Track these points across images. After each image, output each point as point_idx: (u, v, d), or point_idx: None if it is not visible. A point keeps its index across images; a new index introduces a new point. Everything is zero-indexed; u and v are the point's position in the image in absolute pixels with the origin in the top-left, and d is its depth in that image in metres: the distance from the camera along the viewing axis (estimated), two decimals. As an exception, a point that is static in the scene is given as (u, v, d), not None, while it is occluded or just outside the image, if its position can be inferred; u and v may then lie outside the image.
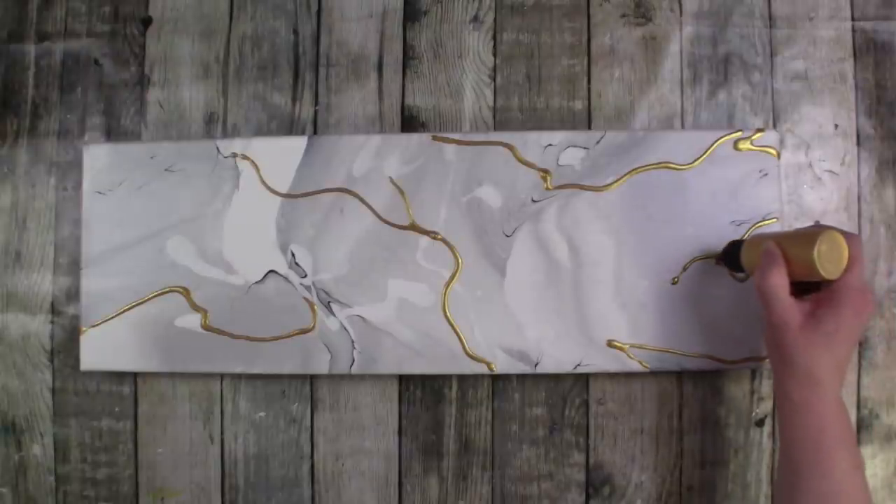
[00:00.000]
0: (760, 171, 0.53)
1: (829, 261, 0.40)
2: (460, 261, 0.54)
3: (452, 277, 0.53)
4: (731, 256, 0.49)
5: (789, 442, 0.42)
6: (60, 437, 0.58)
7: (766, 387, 0.54)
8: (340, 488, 0.56)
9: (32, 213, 0.59)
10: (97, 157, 0.56)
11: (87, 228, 0.55)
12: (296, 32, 0.58)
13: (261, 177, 0.55)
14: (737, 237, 0.52)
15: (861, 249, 0.41)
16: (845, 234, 0.40)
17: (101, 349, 0.55)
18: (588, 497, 0.55)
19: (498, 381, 0.56)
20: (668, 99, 0.56)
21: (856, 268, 0.40)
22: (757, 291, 0.43)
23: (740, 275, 0.52)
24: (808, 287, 0.43)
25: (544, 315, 0.53)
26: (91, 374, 0.57)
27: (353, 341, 0.54)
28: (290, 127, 0.58)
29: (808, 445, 0.41)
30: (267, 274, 0.54)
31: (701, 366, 0.52)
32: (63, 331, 0.58)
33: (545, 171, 0.54)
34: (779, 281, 0.41)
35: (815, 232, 0.40)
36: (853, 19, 0.56)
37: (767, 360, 0.52)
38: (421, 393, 0.56)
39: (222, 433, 0.57)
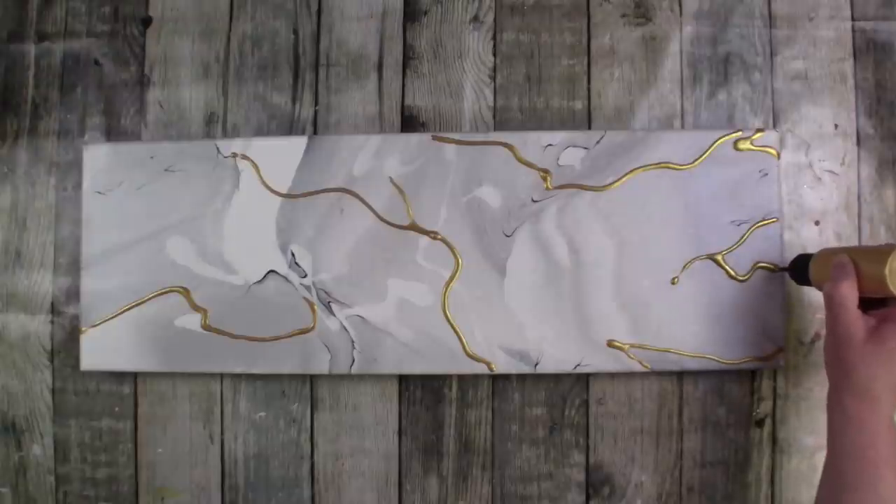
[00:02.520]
0: (760, 171, 0.53)
1: None
2: (460, 261, 0.53)
3: (452, 277, 0.53)
4: (798, 269, 0.49)
5: (837, 454, 0.42)
6: (60, 437, 0.58)
7: (765, 387, 0.54)
8: (340, 488, 0.56)
9: (32, 213, 0.59)
10: (97, 157, 0.56)
11: (87, 228, 0.55)
12: (296, 32, 0.58)
13: (261, 177, 0.55)
14: (737, 237, 0.52)
15: None
16: None
17: (100, 349, 0.55)
18: (588, 497, 0.55)
19: (498, 381, 0.56)
20: (668, 99, 0.56)
21: None
22: (825, 301, 0.43)
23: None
24: (873, 304, 0.43)
25: (544, 315, 0.53)
26: (91, 374, 0.57)
27: (353, 341, 0.54)
28: (290, 127, 0.58)
29: (856, 460, 0.41)
30: (267, 274, 0.54)
31: (701, 366, 0.52)
32: (63, 331, 0.58)
33: (545, 171, 0.54)
34: (849, 292, 0.41)
35: (888, 249, 0.41)
36: (853, 19, 0.56)
37: (767, 361, 0.52)
38: (421, 393, 0.56)
39: (222, 433, 0.57)
